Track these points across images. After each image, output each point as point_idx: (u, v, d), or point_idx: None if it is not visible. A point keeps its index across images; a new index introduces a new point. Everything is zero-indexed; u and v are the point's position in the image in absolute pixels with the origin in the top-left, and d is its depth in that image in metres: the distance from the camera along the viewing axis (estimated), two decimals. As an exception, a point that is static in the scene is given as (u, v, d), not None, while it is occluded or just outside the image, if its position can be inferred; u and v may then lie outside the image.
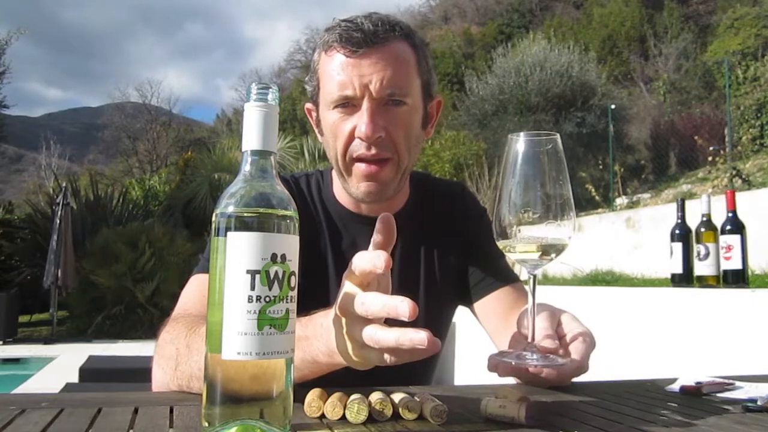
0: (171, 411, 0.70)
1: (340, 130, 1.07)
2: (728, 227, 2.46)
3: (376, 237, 0.69)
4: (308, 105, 1.18)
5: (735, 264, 2.44)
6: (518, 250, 0.80)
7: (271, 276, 0.59)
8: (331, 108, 1.07)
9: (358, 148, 1.06)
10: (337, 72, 1.04)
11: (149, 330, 8.59)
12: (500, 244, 0.82)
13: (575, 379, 0.89)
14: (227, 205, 0.60)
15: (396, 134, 1.06)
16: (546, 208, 0.78)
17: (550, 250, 0.80)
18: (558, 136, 0.81)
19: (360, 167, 1.07)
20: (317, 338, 0.75)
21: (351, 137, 1.06)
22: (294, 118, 26.68)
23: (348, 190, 1.12)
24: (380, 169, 1.07)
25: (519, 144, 0.81)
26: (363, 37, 1.02)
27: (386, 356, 0.65)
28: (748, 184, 7.72)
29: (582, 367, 0.84)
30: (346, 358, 0.70)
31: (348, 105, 1.05)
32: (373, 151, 1.05)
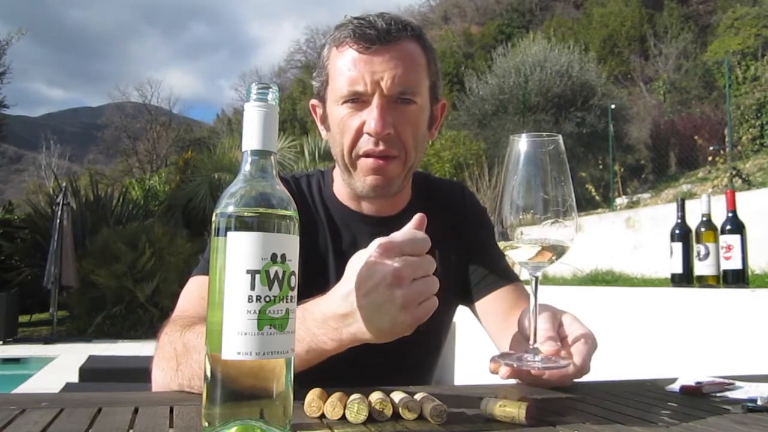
0: (171, 411, 0.70)
1: (348, 126, 1.07)
2: (728, 227, 2.46)
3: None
4: (313, 101, 1.18)
5: (735, 264, 2.44)
6: (520, 251, 0.80)
7: (271, 276, 0.59)
8: (340, 103, 1.07)
9: (366, 143, 1.06)
10: (349, 67, 1.04)
11: (149, 330, 8.59)
12: (502, 245, 0.82)
13: (576, 380, 0.89)
14: (227, 205, 0.60)
15: (404, 132, 1.07)
16: (548, 209, 0.78)
17: (551, 251, 0.79)
18: (560, 137, 0.81)
19: (367, 161, 1.07)
20: (321, 328, 0.76)
21: (359, 133, 1.06)
22: (294, 118, 26.68)
23: (352, 186, 1.12)
24: (387, 164, 1.07)
25: (521, 145, 0.80)
26: (376, 34, 1.03)
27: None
28: (748, 184, 7.72)
29: (584, 368, 0.84)
30: (380, 332, 0.74)
31: (358, 101, 1.05)
32: (381, 147, 1.05)
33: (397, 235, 0.74)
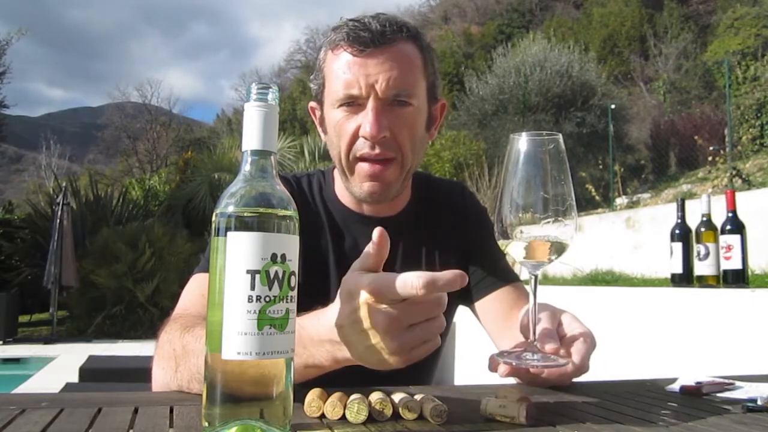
0: (171, 411, 0.70)
1: (344, 129, 1.07)
2: (728, 227, 2.46)
3: (370, 249, 0.70)
4: (312, 104, 1.18)
5: (735, 264, 2.44)
6: (520, 250, 0.80)
7: (271, 276, 0.59)
8: (336, 106, 1.07)
9: (362, 147, 1.06)
10: (344, 71, 1.04)
11: (149, 330, 8.59)
12: (502, 244, 0.82)
13: (575, 379, 0.89)
14: (227, 205, 0.60)
15: (400, 134, 1.06)
16: (548, 208, 0.78)
17: (551, 250, 0.80)
18: (560, 136, 0.81)
19: (363, 167, 1.07)
20: (318, 350, 0.75)
21: (355, 136, 1.06)
22: (294, 118, 26.68)
23: (350, 190, 1.12)
24: (384, 168, 1.07)
25: (521, 144, 0.80)
26: (371, 36, 1.03)
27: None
28: (748, 184, 7.72)
29: (583, 367, 0.84)
30: (371, 365, 0.71)
31: (353, 104, 1.05)
32: (377, 150, 1.05)
33: (391, 283, 0.65)
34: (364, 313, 0.67)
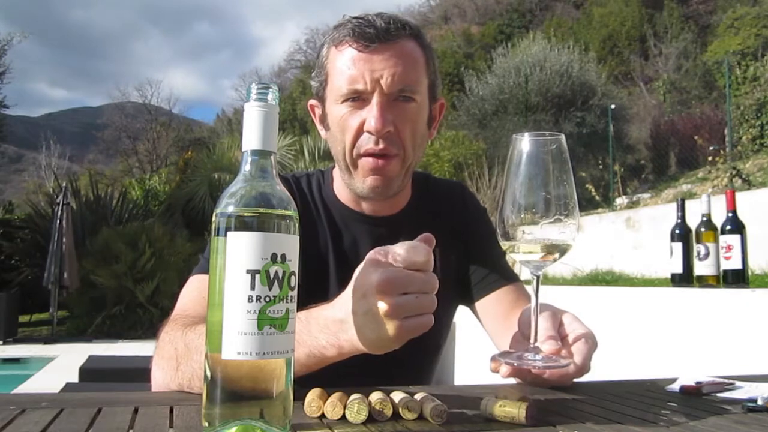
0: (171, 411, 0.70)
1: (348, 124, 1.07)
2: (728, 227, 2.46)
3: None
4: (312, 101, 1.18)
5: (735, 264, 2.44)
6: (522, 250, 0.80)
7: (271, 276, 0.59)
8: (340, 102, 1.07)
9: (366, 142, 1.06)
10: (348, 66, 1.04)
11: (149, 330, 8.59)
12: (504, 244, 0.82)
13: (576, 379, 0.89)
14: (227, 205, 0.60)
15: (404, 130, 1.07)
16: (550, 208, 0.78)
17: (553, 251, 0.79)
18: (562, 136, 0.81)
19: (367, 161, 1.07)
20: (322, 332, 0.76)
21: (359, 131, 1.06)
22: (294, 118, 26.68)
23: (352, 186, 1.12)
24: (386, 163, 1.07)
25: (523, 144, 0.80)
26: (375, 33, 1.03)
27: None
28: (748, 184, 7.72)
29: (584, 368, 0.84)
30: (368, 342, 0.72)
31: (357, 99, 1.05)
32: (381, 145, 1.05)
33: (397, 245, 0.73)
34: (365, 273, 0.71)
